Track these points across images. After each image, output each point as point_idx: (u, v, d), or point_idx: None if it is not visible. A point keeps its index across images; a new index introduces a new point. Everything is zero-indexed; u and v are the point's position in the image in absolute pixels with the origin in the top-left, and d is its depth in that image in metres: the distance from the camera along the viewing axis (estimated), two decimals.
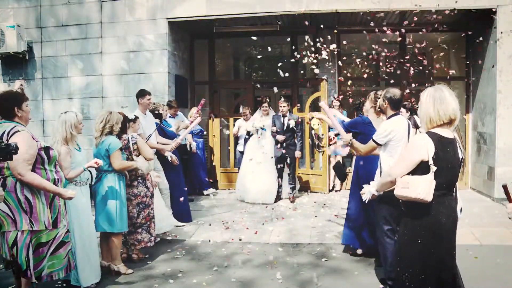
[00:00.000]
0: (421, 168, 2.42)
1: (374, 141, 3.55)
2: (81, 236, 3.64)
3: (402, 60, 7.39)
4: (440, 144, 2.41)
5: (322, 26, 7.28)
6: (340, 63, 7.73)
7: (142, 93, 5.37)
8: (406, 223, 2.55)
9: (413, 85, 7.42)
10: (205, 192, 7.59)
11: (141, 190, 4.36)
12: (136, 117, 4.75)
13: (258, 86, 8.36)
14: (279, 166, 7.00)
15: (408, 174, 2.46)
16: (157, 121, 5.52)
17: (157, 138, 5.47)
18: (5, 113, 3.08)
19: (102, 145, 3.93)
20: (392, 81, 6.90)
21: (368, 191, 3.32)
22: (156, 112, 5.53)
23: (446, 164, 2.41)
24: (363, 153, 3.79)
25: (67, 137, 3.58)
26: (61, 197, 3.12)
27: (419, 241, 2.45)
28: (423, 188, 2.36)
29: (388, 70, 7.07)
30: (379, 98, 4.19)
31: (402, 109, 6.25)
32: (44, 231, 3.03)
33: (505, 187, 2.32)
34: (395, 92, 3.61)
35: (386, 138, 3.48)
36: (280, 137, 6.84)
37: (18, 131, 2.97)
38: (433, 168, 2.37)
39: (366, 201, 3.38)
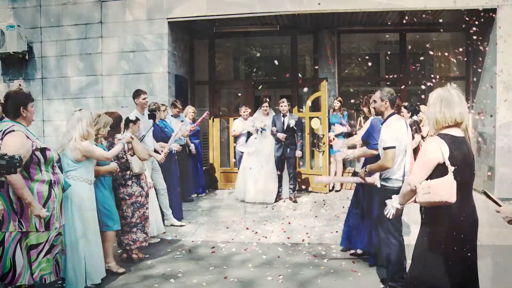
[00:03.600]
0: (438, 171, 2.39)
1: (391, 147, 3.40)
2: (85, 235, 3.65)
3: (402, 60, 7.40)
4: (453, 144, 2.40)
5: (322, 26, 7.30)
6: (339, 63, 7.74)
7: (137, 93, 5.38)
8: (429, 228, 2.51)
9: (412, 85, 7.42)
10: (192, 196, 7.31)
11: (135, 190, 4.36)
12: (137, 119, 4.76)
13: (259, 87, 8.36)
14: (279, 165, 7.00)
15: (426, 179, 2.43)
16: (151, 121, 5.52)
17: (153, 139, 5.48)
18: (11, 112, 3.09)
19: None
20: (391, 81, 6.91)
21: (392, 206, 3.05)
22: (149, 112, 5.53)
23: (462, 162, 2.40)
24: (389, 165, 3.47)
25: (84, 134, 3.62)
26: (32, 211, 2.95)
27: (444, 244, 2.41)
28: (445, 190, 2.32)
29: (387, 70, 7.08)
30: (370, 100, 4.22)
31: (403, 110, 6.27)
32: (35, 232, 2.99)
33: (485, 193, 2.32)
34: (391, 90, 3.60)
35: (398, 139, 3.43)
36: (281, 135, 6.84)
37: (13, 130, 2.96)
38: (451, 168, 2.35)
39: (391, 217, 3.06)
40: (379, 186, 3.58)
